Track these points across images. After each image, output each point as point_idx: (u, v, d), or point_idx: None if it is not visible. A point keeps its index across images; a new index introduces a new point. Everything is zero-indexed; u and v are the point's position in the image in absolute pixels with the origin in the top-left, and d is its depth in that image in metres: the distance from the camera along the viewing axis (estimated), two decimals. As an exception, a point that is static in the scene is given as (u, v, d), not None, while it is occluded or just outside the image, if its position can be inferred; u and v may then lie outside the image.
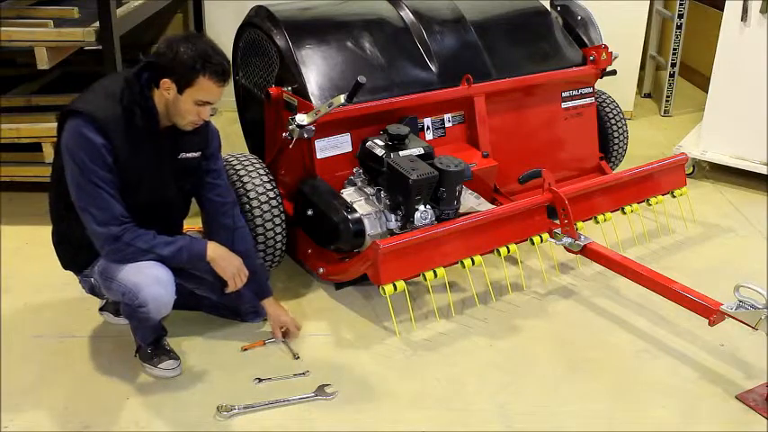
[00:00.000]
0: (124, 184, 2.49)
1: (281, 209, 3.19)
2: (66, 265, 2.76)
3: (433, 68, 3.57)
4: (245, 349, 2.87)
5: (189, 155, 2.67)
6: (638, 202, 3.65)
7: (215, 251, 2.64)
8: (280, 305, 2.95)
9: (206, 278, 2.84)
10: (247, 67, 3.73)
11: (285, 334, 2.90)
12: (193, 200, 2.86)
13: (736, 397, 2.66)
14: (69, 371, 2.73)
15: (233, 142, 4.61)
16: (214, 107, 2.54)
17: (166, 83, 2.43)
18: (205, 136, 2.70)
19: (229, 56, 3.82)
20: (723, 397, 2.67)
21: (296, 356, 2.82)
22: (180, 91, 2.43)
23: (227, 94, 4.22)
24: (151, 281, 2.49)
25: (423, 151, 3.11)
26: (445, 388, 2.69)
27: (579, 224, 3.32)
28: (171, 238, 2.57)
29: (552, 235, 3.31)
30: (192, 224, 3.52)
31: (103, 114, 2.42)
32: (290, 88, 3.30)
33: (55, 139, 3.66)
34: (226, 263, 2.66)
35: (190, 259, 2.60)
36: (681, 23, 5.61)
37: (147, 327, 2.67)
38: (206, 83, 2.42)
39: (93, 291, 2.75)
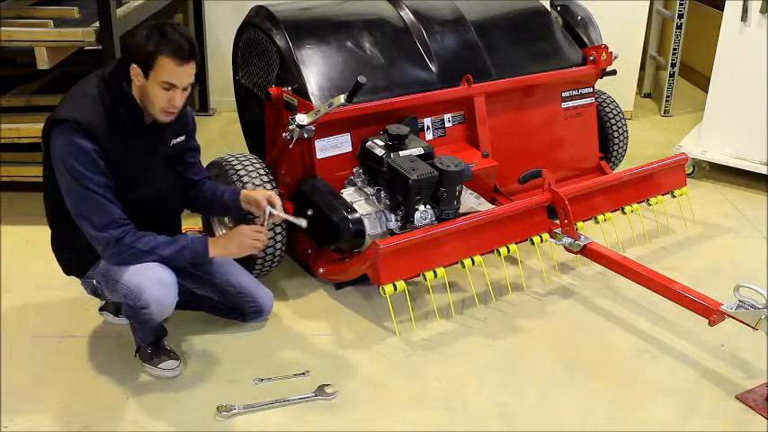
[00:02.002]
0: (119, 184, 2.49)
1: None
2: (67, 272, 2.77)
3: (433, 68, 3.58)
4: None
5: (178, 140, 2.69)
6: (638, 202, 3.65)
7: (217, 245, 2.62)
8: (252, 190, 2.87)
9: (207, 278, 2.85)
10: (247, 67, 3.73)
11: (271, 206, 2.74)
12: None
13: (736, 397, 2.66)
14: (69, 371, 2.73)
15: (233, 142, 4.61)
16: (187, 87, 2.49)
17: (134, 69, 2.42)
18: (185, 119, 2.71)
19: (228, 55, 3.86)
20: (723, 397, 2.67)
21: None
22: (146, 76, 2.41)
23: (228, 94, 4.26)
24: (154, 282, 2.49)
25: (423, 151, 3.11)
26: (445, 388, 2.69)
27: (579, 224, 3.32)
28: (172, 238, 2.57)
29: (552, 235, 3.31)
30: (193, 224, 3.54)
31: (88, 119, 2.40)
32: (290, 88, 3.30)
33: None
34: (234, 245, 2.63)
35: (193, 258, 2.60)
36: (681, 23, 5.61)
37: (148, 327, 2.67)
38: (164, 61, 2.38)
39: (94, 292, 2.75)
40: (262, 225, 2.70)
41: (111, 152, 2.45)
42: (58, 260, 2.75)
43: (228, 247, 2.65)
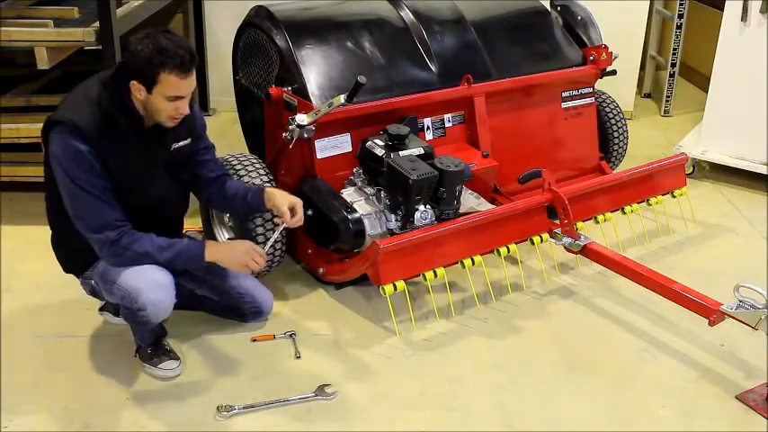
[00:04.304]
0: (117, 188, 2.48)
1: (282, 209, 3.19)
2: (66, 269, 2.77)
3: (433, 68, 3.58)
4: (255, 340, 2.89)
5: (181, 143, 2.66)
6: (638, 202, 3.65)
7: (213, 253, 2.60)
8: (283, 192, 2.79)
9: (207, 279, 2.84)
10: (247, 67, 3.73)
11: (292, 214, 2.71)
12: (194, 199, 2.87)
13: (736, 397, 2.66)
14: (69, 371, 2.73)
15: (233, 142, 4.61)
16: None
17: (135, 85, 2.40)
18: (192, 121, 2.68)
19: (228, 55, 3.86)
20: (723, 397, 2.67)
21: (297, 356, 2.82)
22: (149, 90, 2.39)
23: (228, 94, 4.26)
24: (151, 285, 2.48)
25: (423, 151, 3.11)
26: (445, 388, 2.69)
27: (579, 224, 3.32)
28: (169, 241, 2.55)
29: (552, 235, 3.31)
30: (193, 224, 3.53)
31: (85, 122, 2.40)
32: (290, 88, 3.30)
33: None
34: (229, 258, 2.62)
35: (188, 263, 2.60)
36: (681, 23, 5.61)
37: (147, 329, 2.67)
38: (168, 78, 2.36)
39: (93, 293, 2.75)
40: (265, 247, 2.74)
41: (108, 156, 2.43)
42: (57, 257, 2.76)
43: (224, 259, 2.62)
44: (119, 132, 2.45)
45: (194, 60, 2.42)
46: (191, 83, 2.44)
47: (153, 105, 2.43)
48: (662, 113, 5.84)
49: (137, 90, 2.41)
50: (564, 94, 3.94)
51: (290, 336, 2.92)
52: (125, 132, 2.47)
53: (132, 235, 2.49)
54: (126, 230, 2.48)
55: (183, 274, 2.74)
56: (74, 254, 2.67)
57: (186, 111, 2.49)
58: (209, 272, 2.84)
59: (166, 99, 2.41)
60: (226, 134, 5.11)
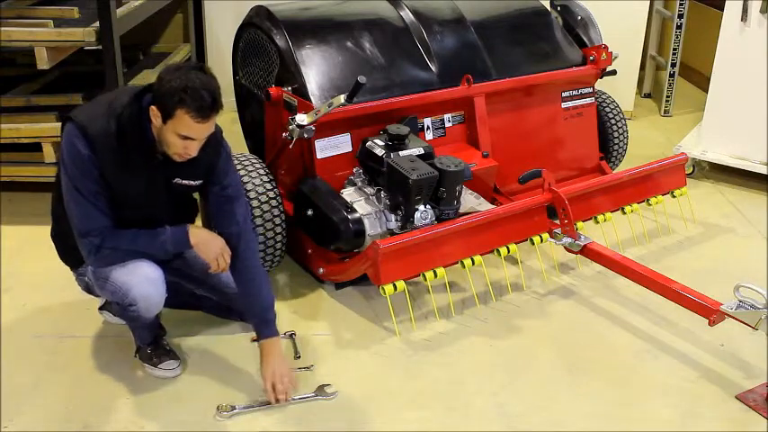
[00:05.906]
0: (114, 199, 2.46)
1: (281, 209, 3.19)
2: (62, 259, 2.77)
3: (433, 68, 3.58)
4: (255, 340, 2.87)
5: (185, 182, 2.58)
6: (638, 202, 3.65)
7: (196, 237, 2.56)
8: (280, 353, 2.65)
9: (207, 279, 2.84)
10: (247, 68, 3.73)
11: (274, 389, 2.57)
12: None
13: (736, 397, 2.66)
14: (69, 371, 2.74)
15: (233, 142, 4.61)
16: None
17: (153, 110, 2.36)
18: (210, 165, 2.60)
19: (228, 55, 3.86)
20: (723, 397, 2.67)
21: (297, 356, 2.82)
22: (164, 121, 2.35)
23: (228, 94, 4.24)
24: (141, 280, 2.48)
25: (423, 151, 3.11)
26: (445, 388, 2.70)
27: (579, 224, 3.32)
28: (153, 232, 2.52)
29: (552, 235, 3.31)
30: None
31: (95, 129, 2.38)
32: (290, 88, 3.30)
33: (54, 139, 3.69)
34: (206, 246, 2.57)
35: (176, 250, 2.57)
36: (681, 23, 5.61)
37: (143, 327, 2.67)
38: (184, 117, 2.30)
39: (88, 289, 2.74)
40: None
41: (107, 167, 2.41)
42: (55, 247, 2.75)
43: (203, 244, 2.56)
44: (126, 149, 2.42)
45: (216, 107, 2.34)
46: (207, 128, 2.38)
47: (163, 136, 2.39)
48: (662, 113, 5.83)
49: (154, 116, 2.37)
50: (564, 94, 3.95)
51: (290, 336, 2.92)
52: (133, 150, 2.43)
53: (114, 234, 2.46)
54: (108, 232, 2.45)
55: (182, 274, 2.75)
56: (71, 248, 2.66)
57: (194, 153, 2.43)
58: (208, 272, 2.83)
59: (177, 136, 2.36)
60: (226, 134, 5.08)
